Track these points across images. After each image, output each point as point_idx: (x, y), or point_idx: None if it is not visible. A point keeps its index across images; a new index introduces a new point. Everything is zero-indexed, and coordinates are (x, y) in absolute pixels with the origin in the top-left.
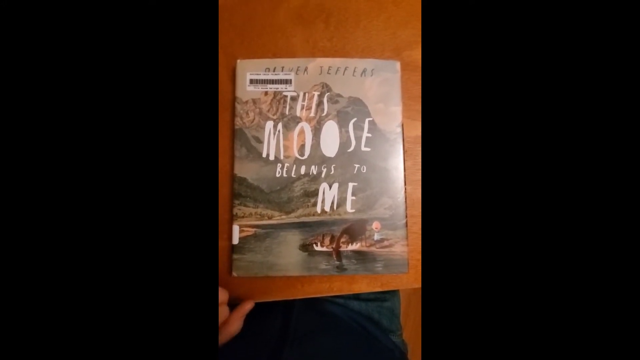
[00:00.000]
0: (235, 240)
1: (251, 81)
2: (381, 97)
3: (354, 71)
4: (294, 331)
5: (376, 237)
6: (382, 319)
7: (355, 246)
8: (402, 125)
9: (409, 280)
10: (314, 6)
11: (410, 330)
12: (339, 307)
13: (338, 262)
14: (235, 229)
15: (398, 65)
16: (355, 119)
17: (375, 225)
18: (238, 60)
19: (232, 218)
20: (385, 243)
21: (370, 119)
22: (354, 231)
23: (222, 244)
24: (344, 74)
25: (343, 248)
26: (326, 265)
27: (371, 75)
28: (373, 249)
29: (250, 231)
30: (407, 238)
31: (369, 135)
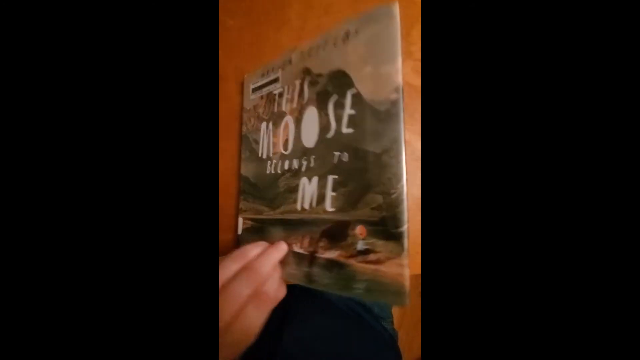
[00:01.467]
0: (239, 231)
1: (253, 90)
2: (368, 58)
3: (335, 41)
4: (294, 313)
5: (359, 246)
6: (373, 306)
7: (332, 254)
8: (402, 88)
9: None
10: (312, 27)
11: (407, 326)
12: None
13: (307, 270)
14: (240, 221)
15: (395, 8)
16: (335, 96)
17: (360, 230)
18: (245, 75)
19: (237, 212)
20: (372, 257)
21: (354, 91)
22: (333, 235)
23: (231, 235)
24: (325, 49)
25: (319, 254)
26: (295, 270)
27: (356, 35)
28: (353, 261)
29: (249, 224)
30: (405, 252)
31: (352, 112)
